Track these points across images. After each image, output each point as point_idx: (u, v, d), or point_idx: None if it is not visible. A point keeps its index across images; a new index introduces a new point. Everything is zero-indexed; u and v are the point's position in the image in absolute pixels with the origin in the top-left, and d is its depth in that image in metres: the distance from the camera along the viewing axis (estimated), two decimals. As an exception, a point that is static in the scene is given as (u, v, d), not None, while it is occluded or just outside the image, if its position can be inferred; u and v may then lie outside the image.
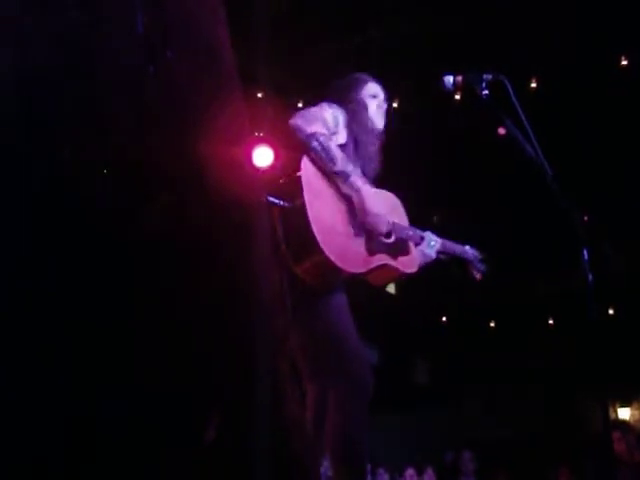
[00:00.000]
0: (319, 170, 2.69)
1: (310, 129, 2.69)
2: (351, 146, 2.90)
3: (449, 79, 2.87)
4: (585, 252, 2.44)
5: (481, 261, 3.33)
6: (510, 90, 2.64)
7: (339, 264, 2.57)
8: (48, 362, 1.48)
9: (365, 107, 2.99)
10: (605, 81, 6.06)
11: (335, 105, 2.91)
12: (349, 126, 2.91)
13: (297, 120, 2.74)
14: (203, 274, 1.65)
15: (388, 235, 2.85)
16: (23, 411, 1.44)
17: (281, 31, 5.47)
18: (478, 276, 3.32)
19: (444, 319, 10.39)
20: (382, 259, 2.78)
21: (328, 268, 2.57)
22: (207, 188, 1.66)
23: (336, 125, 2.85)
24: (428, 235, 3.06)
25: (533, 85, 6.23)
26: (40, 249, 1.52)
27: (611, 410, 9.47)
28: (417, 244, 3.01)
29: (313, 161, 2.69)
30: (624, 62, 6.08)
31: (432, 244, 3.04)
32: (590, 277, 2.42)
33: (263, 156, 6.12)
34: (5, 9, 1.59)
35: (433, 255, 3.06)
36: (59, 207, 1.54)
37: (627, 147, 6.52)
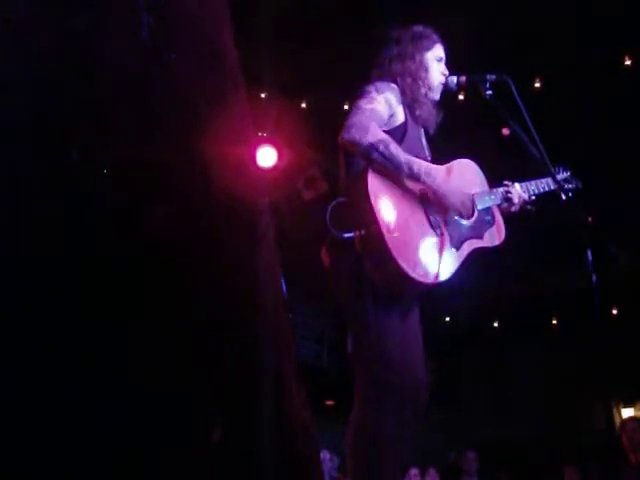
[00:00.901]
0: (387, 180, 2.56)
1: (366, 139, 2.53)
2: (410, 120, 2.78)
3: (452, 79, 2.86)
4: (589, 252, 2.44)
5: (567, 180, 3.13)
6: (514, 90, 2.63)
7: (430, 281, 2.52)
8: (48, 362, 1.48)
9: (428, 71, 2.84)
10: (609, 81, 6.05)
11: (384, 84, 2.75)
12: (404, 101, 2.77)
13: (351, 133, 2.56)
14: (206, 275, 1.65)
15: (470, 215, 2.75)
16: (23, 411, 1.44)
17: (284, 31, 5.47)
18: (569, 196, 3.07)
19: (447, 319, 10.38)
20: (467, 248, 2.68)
21: (420, 286, 2.53)
22: (211, 189, 1.66)
23: (390, 108, 2.70)
24: (512, 190, 2.91)
25: (537, 85, 6.22)
26: (43, 249, 1.52)
27: (615, 410, 9.45)
28: (500, 205, 2.89)
29: (379, 172, 2.55)
30: (628, 62, 6.07)
31: (516, 200, 2.90)
32: (594, 277, 2.42)
33: (267, 156, 6.12)
34: (9, 10, 1.59)
35: (517, 210, 2.92)
36: (62, 207, 1.54)
37: (630, 147, 6.51)
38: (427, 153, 2.86)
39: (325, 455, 6.66)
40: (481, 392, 10.48)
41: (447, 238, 2.62)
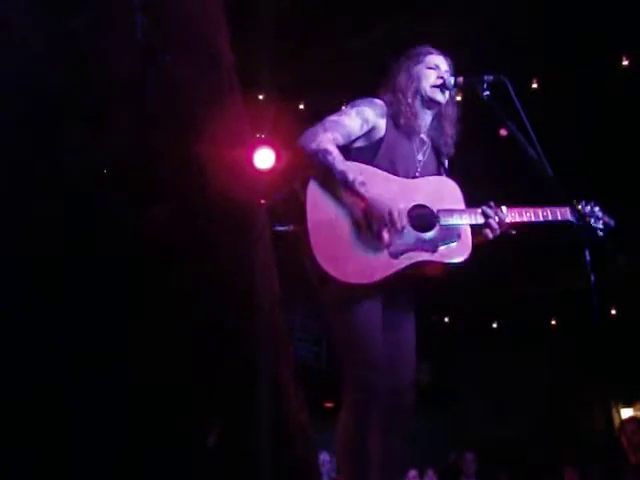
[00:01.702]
0: (328, 185, 2.66)
1: (310, 147, 2.66)
2: (394, 133, 2.82)
3: (450, 80, 2.87)
4: (587, 252, 2.44)
5: (597, 216, 2.91)
6: (511, 91, 2.63)
7: (348, 280, 2.55)
8: (48, 362, 1.48)
9: (416, 81, 2.88)
10: (606, 81, 6.05)
11: (364, 99, 2.83)
12: (389, 113, 2.83)
13: (301, 139, 2.70)
14: (203, 276, 1.65)
15: (427, 228, 2.74)
16: (23, 411, 1.44)
17: (283, 32, 5.47)
18: (600, 234, 2.89)
19: (446, 319, 10.38)
20: (410, 259, 2.66)
21: (343, 284, 2.55)
22: (207, 190, 1.66)
23: (365, 121, 2.77)
24: (488, 212, 2.83)
25: (534, 86, 6.23)
26: (41, 250, 1.52)
27: (614, 410, 9.45)
28: (474, 226, 2.82)
29: (319, 178, 2.66)
30: (625, 62, 6.07)
31: (492, 222, 2.79)
32: (592, 277, 2.41)
33: (265, 158, 6.11)
34: (8, 11, 1.59)
35: (495, 233, 2.82)
36: (61, 208, 1.54)
37: (628, 148, 6.51)
38: (420, 167, 2.87)
39: (325, 456, 6.66)
40: (480, 393, 10.48)
41: (384, 244, 2.63)
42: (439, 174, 2.93)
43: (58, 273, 1.53)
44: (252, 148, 6.01)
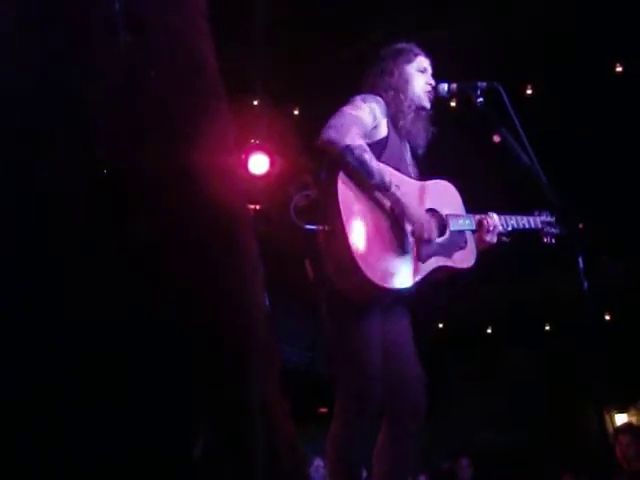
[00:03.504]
0: (357, 185, 2.57)
1: (344, 141, 2.54)
2: (394, 133, 2.80)
3: (444, 87, 2.87)
4: (580, 259, 2.44)
5: (551, 224, 3.08)
6: (505, 97, 2.64)
7: (384, 285, 2.50)
8: (48, 363, 1.48)
9: (409, 83, 2.86)
10: (600, 88, 6.08)
11: (371, 96, 2.79)
12: (389, 113, 2.80)
13: (329, 133, 2.58)
14: (191, 289, 1.64)
15: (440, 233, 2.75)
16: (23, 411, 1.45)
17: (278, 38, 5.48)
18: (551, 241, 3.07)
19: (440, 325, 10.39)
20: (433, 264, 2.67)
21: (373, 289, 2.50)
22: (194, 201, 1.65)
23: (374, 119, 2.72)
24: (487, 219, 2.89)
25: (528, 92, 6.25)
26: (23, 264, 1.51)
27: (607, 416, 9.45)
28: (475, 232, 2.87)
29: (350, 176, 2.57)
30: (619, 69, 6.09)
31: (491, 229, 2.86)
32: (586, 283, 2.42)
33: (259, 163, 6.13)
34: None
35: (493, 240, 2.88)
36: (42, 223, 1.54)
37: (623, 153, 6.53)
38: (411, 170, 2.87)
39: (319, 462, 6.65)
40: (473, 398, 10.48)
41: (413, 248, 2.62)
42: (420, 176, 2.92)
43: (42, 286, 1.53)
44: (247, 153, 6.03)
